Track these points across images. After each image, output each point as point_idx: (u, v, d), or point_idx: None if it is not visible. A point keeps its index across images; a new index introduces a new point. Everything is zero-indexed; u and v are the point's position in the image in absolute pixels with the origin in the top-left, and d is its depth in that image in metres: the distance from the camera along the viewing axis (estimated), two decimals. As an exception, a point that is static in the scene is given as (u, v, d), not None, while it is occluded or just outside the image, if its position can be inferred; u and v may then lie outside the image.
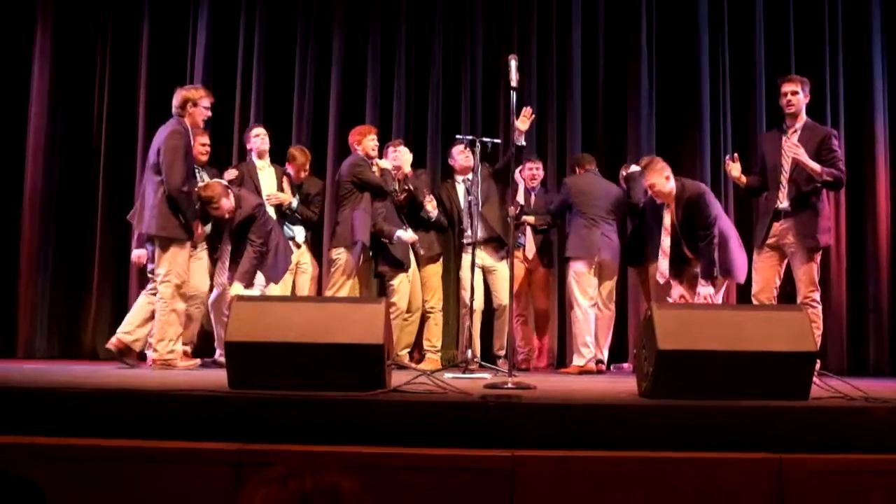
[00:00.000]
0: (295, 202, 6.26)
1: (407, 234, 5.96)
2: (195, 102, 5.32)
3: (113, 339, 5.49)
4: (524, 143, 5.93)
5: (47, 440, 3.02)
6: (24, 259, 7.12)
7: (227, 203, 5.49)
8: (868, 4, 7.28)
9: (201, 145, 5.98)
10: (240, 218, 5.55)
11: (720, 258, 5.51)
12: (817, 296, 5.04)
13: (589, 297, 6.05)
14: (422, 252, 6.19)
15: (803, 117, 5.21)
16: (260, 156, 6.30)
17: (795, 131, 5.17)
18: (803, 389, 3.45)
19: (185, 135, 5.28)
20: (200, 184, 5.57)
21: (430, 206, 6.15)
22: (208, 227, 5.78)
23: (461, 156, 6.31)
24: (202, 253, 5.86)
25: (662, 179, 5.56)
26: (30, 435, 3.08)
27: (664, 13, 7.38)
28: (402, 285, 6.04)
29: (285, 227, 6.17)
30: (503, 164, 6.19)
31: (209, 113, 5.48)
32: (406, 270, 6.03)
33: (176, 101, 5.34)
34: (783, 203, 5.10)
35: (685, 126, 7.24)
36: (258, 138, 6.30)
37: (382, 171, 6.06)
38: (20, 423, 3.15)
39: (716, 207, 5.57)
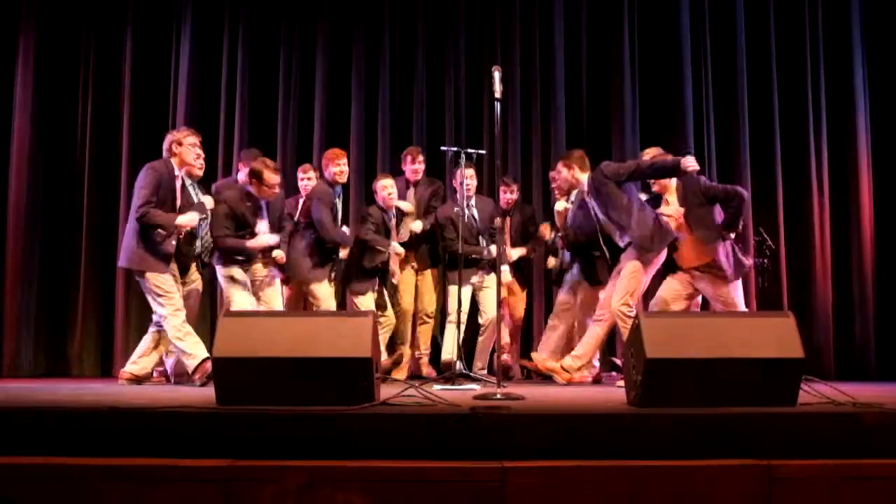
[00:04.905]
0: None
1: (399, 248, 6.10)
2: (180, 142, 5.40)
3: (123, 372, 5.49)
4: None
5: (33, 460, 2.99)
6: (9, 275, 7.06)
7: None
8: (847, 8, 7.36)
9: (194, 152, 5.55)
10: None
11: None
12: (626, 309, 5.30)
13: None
14: (395, 278, 6.18)
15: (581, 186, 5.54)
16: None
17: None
18: (791, 395, 3.47)
19: (159, 168, 5.34)
20: (195, 201, 5.50)
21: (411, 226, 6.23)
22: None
23: (471, 181, 6.25)
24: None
25: None
26: (15, 455, 3.05)
27: (646, 22, 7.43)
28: (369, 297, 6.10)
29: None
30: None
31: (199, 151, 5.47)
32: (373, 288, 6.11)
33: (164, 145, 5.45)
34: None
35: (669, 134, 7.22)
36: (308, 180, 6.31)
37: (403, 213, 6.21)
38: (4, 443, 3.12)
39: None
